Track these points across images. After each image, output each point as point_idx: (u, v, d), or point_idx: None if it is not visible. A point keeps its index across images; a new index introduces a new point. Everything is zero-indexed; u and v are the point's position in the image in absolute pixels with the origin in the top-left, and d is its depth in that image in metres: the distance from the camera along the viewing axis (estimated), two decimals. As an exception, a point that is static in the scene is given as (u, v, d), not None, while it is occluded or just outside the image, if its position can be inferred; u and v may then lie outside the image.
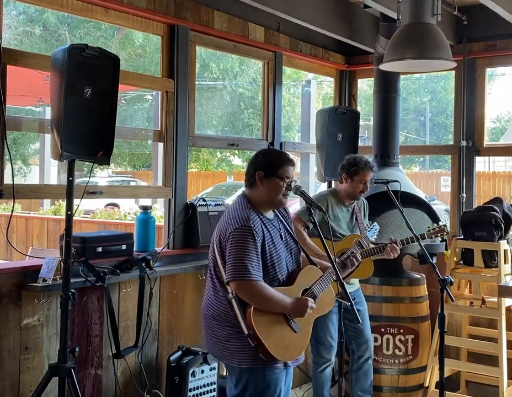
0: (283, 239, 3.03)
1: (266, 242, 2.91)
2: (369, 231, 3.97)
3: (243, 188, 3.12)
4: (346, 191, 4.25)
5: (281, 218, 3.11)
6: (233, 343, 2.89)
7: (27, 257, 4.18)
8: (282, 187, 2.96)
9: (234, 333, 2.88)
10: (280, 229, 3.04)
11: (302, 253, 3.15)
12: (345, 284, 4.09)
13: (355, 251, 3.62)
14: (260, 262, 2.86)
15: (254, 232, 2.85)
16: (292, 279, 3.00)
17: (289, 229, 3.12)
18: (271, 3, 4.43)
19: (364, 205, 4.46)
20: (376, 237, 4.01)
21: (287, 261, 3.01)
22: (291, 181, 3.00)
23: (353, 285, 4.35)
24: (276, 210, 3.10)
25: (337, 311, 4.19)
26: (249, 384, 2.91)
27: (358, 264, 3.52)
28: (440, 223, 4.17)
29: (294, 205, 6.84)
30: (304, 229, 4.04)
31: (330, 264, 3.05)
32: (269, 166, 2.98)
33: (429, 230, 4.15)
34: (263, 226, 2.93)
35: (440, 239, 4.41)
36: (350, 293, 4.17)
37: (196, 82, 4.61)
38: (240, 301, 2.86)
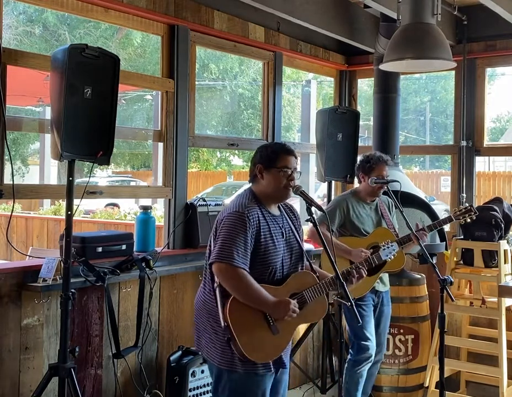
0: (285, 237, 2.96)
1: (261, 232, 2.84)
2: (384, 250, 3.76)
3: (249, 185, 3.06)
4: (366, 189, 4.26)
5: (287, 219, 3.04)
6: (217, 339, 2.83)
7: (27, 257, 4.17)
8: (283, 178, 2.91)
9: (219, 330, 2.81)
10: (283, 227, 2.97)
11: (306, 262, 3.05)
12: (379, 283, 4.18)
13: (360, 266, 3.38)
14: (249, 252, 2.79)
15: (247, 219, 2.79)
16: (283, 281, 2.91)
17: (295, 230, 3.03)
18: (271, 3, 4.43)
19: (389, 203, 4.43)
20: (390, 258, 3.80)
21: (284, 260, 2.93)
22: (292, 171, 2.93)
23: (385, 286, 4.36)
24: (283, 211, 3.04)
25: (373, 304, 4.26)
26: (227, 386, 2.84)
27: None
28: (466, 204, 4.15)
29: (294, 205, 6.81)
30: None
31: (329, 275, 2.95)
32: (267, 158, 2.94)
33: (456, 212, 4.11)
34: (261, 218, 2.86)
35: (462, 220, 4.15)
36: (381, 293, 4.30)
37: (196, 83, 4.61)
38: (222, 291, 2.79)
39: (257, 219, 2.85)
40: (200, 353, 3.87)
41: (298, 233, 3.07)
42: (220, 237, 2.80)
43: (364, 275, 3.16)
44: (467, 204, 4.19)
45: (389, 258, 3.77)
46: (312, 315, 2.99)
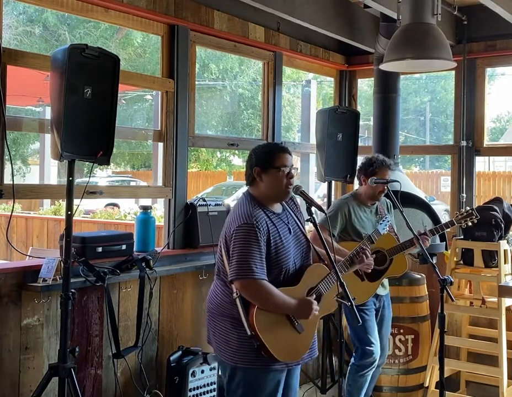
0: (292, 233, 2.97)
1: (271, 237, 2.85)
2: (380, 224, 3.83)
3: (246, 188, 3.07)
4: (367, 192, 4.22)
5: (289, 211, 3.04)
6: (232, 339, 2.86)
7: (27, 257, 4.17)
8: (282, 177, 2.90)
9: (235, 330, 2.85)
10: (289, 223, 2.98)
11: (312, 250, 3.09)
12: (379, 286, 4.18)
13: (364, 247, 3.46)
14: (264, 260, 2.81)
15: (257, 229, 2.79)
16: (298, 278, 2.94)
17: (298, 222, 3.05)
18: (271, 3, 4.43)
19: (387, 204, 4.42)
20: (387, 230, 3.86)
21: (295, 257, 2.95)
22: (290, 169, 2.92)
23: (386, 289, 4.35)
24: (285, 204, 3.05)
25: (374, 308, 4.25)
26: (242, 383, 2.87)
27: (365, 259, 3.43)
28: (467, 208, 4.17)
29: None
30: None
31: (339, 260, 3.03)
32: (263, 159, 2.92)
33: (457, 216, 4.13)
34: (268, 222, 2.86)
35: (466, 223, 4.18)
36: (382, 296, 4.30)
37: (196, 83, 4.61)
38: (244, 301, 2.81)
39: (265, 225, 2.85)
40: (199, 352, 3.92)
41: (301, 222, 3.08)
42: (236, 253, 2.80)
43: (369, 255, 3.30)
44: (468, 208, 4.17)
45: (385, 231, 3.81)
46: (329, 305, 3.06)
